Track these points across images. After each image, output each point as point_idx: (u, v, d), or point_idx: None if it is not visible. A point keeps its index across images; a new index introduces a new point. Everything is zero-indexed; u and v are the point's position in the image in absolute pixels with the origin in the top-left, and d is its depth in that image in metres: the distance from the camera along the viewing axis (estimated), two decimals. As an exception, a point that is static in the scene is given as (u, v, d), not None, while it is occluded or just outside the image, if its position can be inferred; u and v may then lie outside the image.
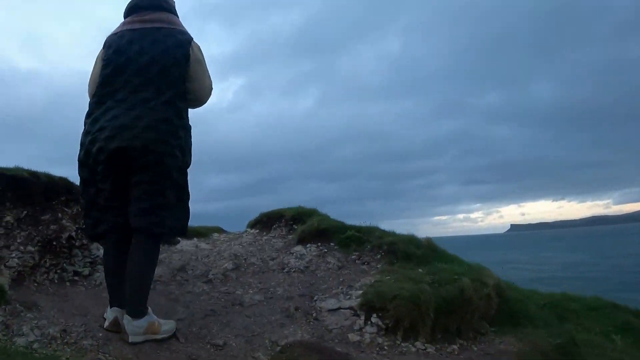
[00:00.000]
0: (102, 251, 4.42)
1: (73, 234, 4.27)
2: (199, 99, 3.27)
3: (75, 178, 4.06)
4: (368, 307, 3.84)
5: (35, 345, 2.82)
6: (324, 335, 3.60)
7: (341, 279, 4.56)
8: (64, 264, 4.14)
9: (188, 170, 3.25)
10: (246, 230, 6.68)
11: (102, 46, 3.23)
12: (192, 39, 3.19)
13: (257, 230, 6.46)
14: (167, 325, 3.21)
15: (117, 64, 3.09)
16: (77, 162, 3.19)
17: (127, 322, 2.96)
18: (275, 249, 5.43)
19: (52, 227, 4.14)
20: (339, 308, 3.92)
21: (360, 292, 4.08)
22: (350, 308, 3.89)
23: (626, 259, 52.26)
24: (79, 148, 3.15)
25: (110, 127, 2.97)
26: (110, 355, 2.83)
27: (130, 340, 2.95)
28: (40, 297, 3.63)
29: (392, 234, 5.60)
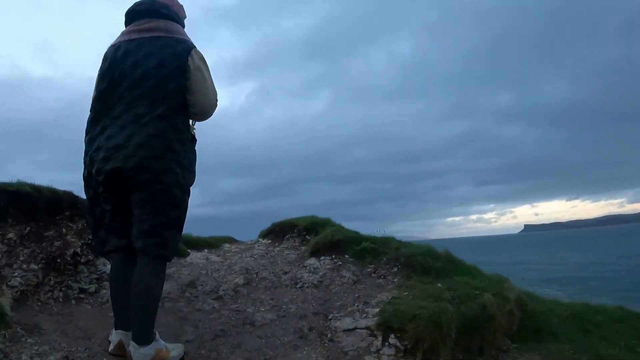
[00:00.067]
0: (109, 266, 4.28)
1: (78, 250, 4.13)
2: (203, 112, 3.05)
3: (80, 191, 3.93)
4: (386, 327, 3.64)
5: (35, 376, 2.68)
6: (340, 358, 3.42)
7: (357, 295, 4.38)
8: (69, 282, 4.00)
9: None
10: (258, 240, 6.53)
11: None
12: (192, 47, 2.98)
13: (269, 241, 6.30)
14: (175, 351, 3.04)
15: (112, 78, 2.93)
16: (82, 180, 3.06)
17: (134, 349, 2.79)
18: (287, 262, 5.27)
19: (56, 243, 4.01)
20: (355, 328, 3.73)
21: (377, 310, 3.90)
22: (367, 328, 3.70)
23: (640, 259, 51.72)
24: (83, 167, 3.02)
25: (105, 147, 2.83)
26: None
27: None
28: (43, 318, 3.50)
29: (409, 244, 5.43)
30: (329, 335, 3.71)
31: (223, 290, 4.45)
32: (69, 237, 4.14)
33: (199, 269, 4.96)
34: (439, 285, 4.40)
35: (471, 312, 3.94)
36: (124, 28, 3.09)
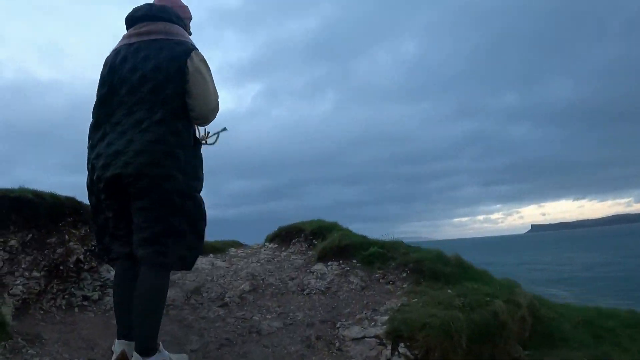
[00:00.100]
0: (112, 273, 4.21)
1: (81, 256, 4.07)
2: (202, 116, 2.91)
3: (83, 196, 3.86)
4: (395, 336, 3.56)
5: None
6: (348, 368, 3.34)
7: (365, 302, 4.29)
8: (72, 289, 3.94)
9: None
10: (264, 245, 6.45)
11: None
12: (191, 49, 2.87)
13: (276, 245, 6.22)
14: (178, 362, 2.96)
15: (112, 84, 2.85)
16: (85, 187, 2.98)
17: (137, 361, 2.71)
18: (294, 267, 5.18)
19: (58, 250, 3.95)
20: (364, 337, 3.64)
21: (386, 317, 3.81)
22: (376, 337, 3.61)
23: (647, 258, 51.38)
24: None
25: (105, 154, 2.74)
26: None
27: None
28: (45, 327, 3.43)
29: (418, 249, 5.34)
30: (337, 345, 3.62)
31: (229, 297, 4.37)
32: (71, 243, 4.07)
33: (205, 274, 4.88)
34: (449, 291, 4.32)
35: (482, 319, 3.86)
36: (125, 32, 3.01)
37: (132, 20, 2.98)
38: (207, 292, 4.47)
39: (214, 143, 3.08)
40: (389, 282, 4.70)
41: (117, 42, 3.01)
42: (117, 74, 2.84)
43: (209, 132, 3.07)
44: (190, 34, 3.23)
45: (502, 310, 4.02)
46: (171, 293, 4.18)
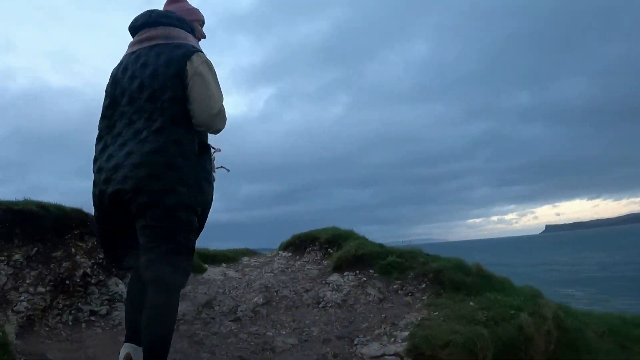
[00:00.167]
0: (121, 287, 4.08)
1: (88, 270, 3.93)
2: (205, 123, 2.65)
3: (90, 207, 3.70)
4: (416, 354, 3.38)
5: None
6: (367, 388, 3.16)
7: (383, 315, 4.10)
8: (79, 304, 3.81)
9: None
10: (278, 253, 6.28)
11: None
12: (193, 52, 2.65)
13: (290, 254, 6.04)
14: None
15: (113, 95, 2.71)
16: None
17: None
18: (309, 278, 5.00)
19: (64, 264, 3.82)
20: (383, 354, 3.45)
21: (406, 333, 3.63)
22: (396, 354, 3.42)
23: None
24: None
25: (106, 168, 2.58)
26: None
27: None
28: (50, 345, 3.29)
29: (437, 258, 5.15)
30: (355, 363, 3.44)
31: (241, 310, 4.20)
32: (78, 257, 3.94)
33: (216, 287, 4.72)
34: (471, 303, 4.14)
35: (507, 334, 3.69)
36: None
37: (134, 28, 2.82)
38: (219, 305, 4.31)
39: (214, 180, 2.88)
40: (407, 294, 4.51)
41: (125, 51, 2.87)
42: (118, 85, 2.69)
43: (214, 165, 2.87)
44: (203, 37, 3.06)
45: (528, 323, 3.84)
46: (182, 307, 4.03)
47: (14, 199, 3.96)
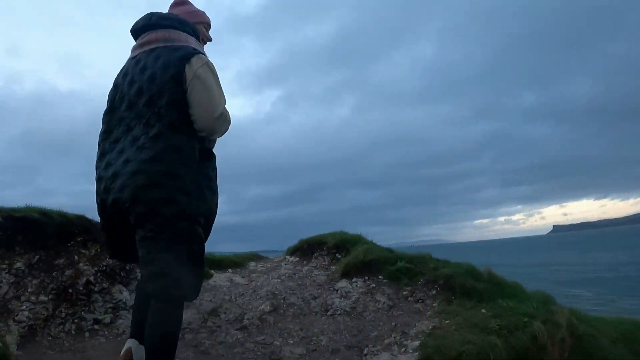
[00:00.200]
0: (125, 294, 4.00)
1: (92, 278, 3.85)
2: (206, 128, 2.51)
3: (93, 213, 3.63)
4: (428, 364, 3.28)
5: None
6: (378, 400, 3.06)
7: (393, 324, 4.00)
8: (82, 313, 3.73)
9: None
10: (285, 258, 6.18)
11: None
12: (192, 54, 2.53)
13: (297, 259, 5.95)
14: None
15: (113, 101, 2.64)
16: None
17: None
18: (317, 285, 4.90)
19: (67, 272, 3.74)
20: (394, 365, 3.36)
21: (417, 343, 3.53)
22: (407, 365, 3.33)
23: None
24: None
25: (105, 177, 2.49)
26: None
27: None
28: (53, 355, 3.23)
29: (447, 263, 5.04)
30: (365, 374, 3.34)
31: (248, 318, 4.11)
32: (81, 264, 3.86)
33: (222, 294, 4.63)
34: (483, 311, 4.04)
35: (521, 344, 3.59)
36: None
37: (135, 31, 2.74)
38: (225, 313, 4.22)
39: None
40: (418, 301, 4.41)
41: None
42: (118, 90, 2.60)
43: None
44: (209, 39, 2.97)
45: (542, 332, 3.74)
46: (187, 315, 3.95)
47: (16, 206, 3.88)
